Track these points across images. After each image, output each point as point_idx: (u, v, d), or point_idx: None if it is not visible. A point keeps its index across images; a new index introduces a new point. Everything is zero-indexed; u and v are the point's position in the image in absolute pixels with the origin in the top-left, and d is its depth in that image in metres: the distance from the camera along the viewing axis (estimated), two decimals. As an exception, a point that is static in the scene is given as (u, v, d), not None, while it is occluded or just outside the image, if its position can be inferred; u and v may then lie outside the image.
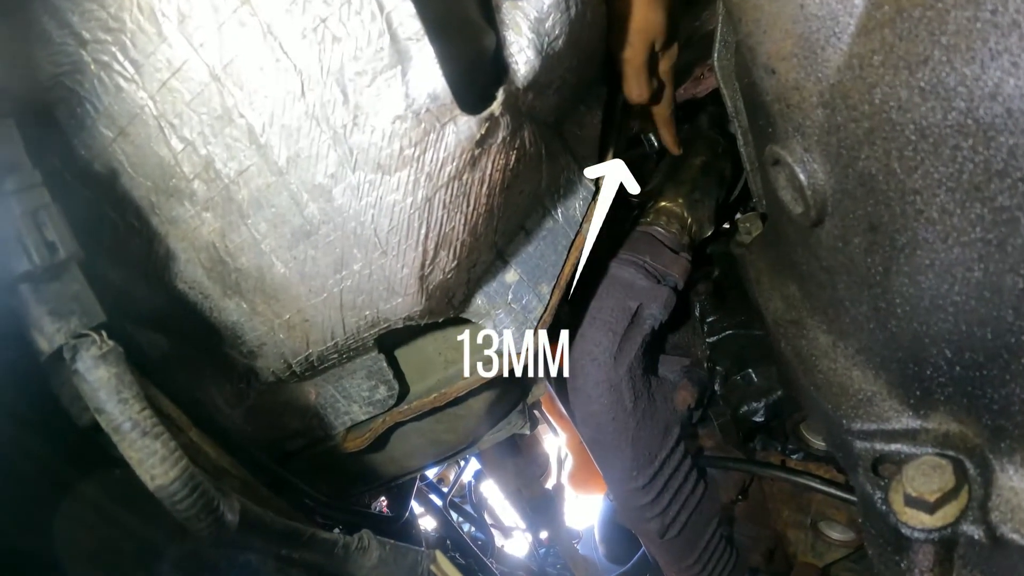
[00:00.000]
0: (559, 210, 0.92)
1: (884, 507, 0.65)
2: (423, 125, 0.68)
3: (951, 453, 0.64)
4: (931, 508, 0.61)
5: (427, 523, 1.86)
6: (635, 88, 0.95)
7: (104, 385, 0.59)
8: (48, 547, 0.70)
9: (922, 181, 0.55)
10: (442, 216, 0.74)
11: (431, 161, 0.70)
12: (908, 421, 0.68)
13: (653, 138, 1.26)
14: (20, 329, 0.60)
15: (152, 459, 0.59)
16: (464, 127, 0.69)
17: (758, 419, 1.00)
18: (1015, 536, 0.58)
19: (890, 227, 0.60)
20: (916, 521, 0.62)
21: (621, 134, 1.00)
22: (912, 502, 0.62)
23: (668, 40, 0.94)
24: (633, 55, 0.92)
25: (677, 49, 0.96)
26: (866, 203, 0.61)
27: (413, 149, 0.69)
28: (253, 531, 0.71)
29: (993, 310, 0.55)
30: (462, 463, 2.10)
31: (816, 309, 0.77)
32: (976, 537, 0.61)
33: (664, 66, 0.96)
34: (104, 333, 0.61)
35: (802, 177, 0.66)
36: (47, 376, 0.63)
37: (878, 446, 0.69)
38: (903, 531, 0.63)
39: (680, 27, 0.97)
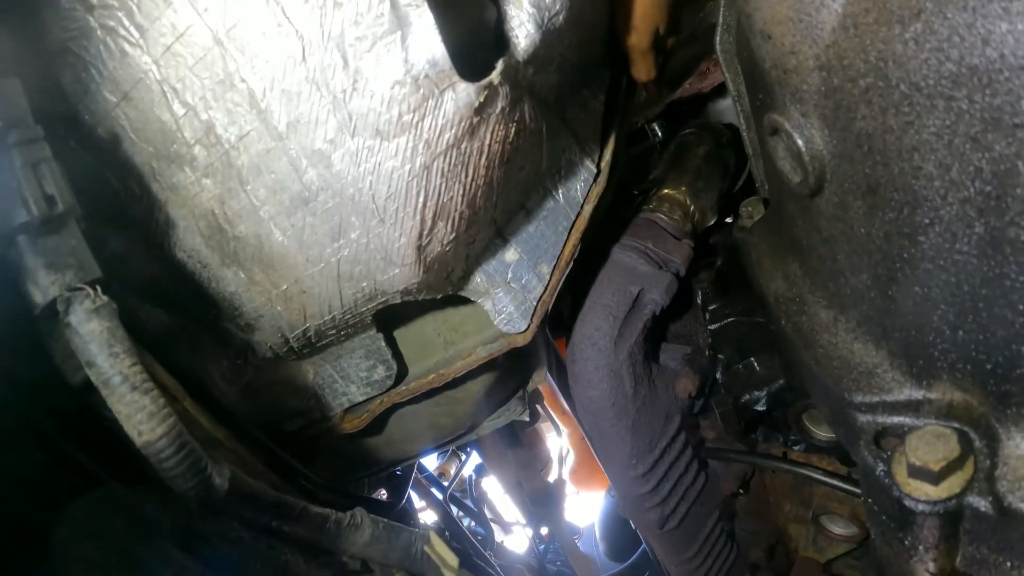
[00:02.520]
0: (560, 191, 0.92)
1: (887, 480, 0.63)
2: (422, 91, 0.68)
3: (955, 424, 0.62)
4: (935, 478, 0.60)
5: (427, 516, 1.83)
6: (643, 70, 0.97)
7: (96, 338, 0.59)
8: (40, 513, 0.69)
9: (919, 136, 0.54)
10: (440, 185, 0.74)
11: (429, 128, 0.70)
12: (911, 392, 0.66)
13: (658, 128, 1.27)
14: (16, 281, 0.61)
15: (140, 415, 0.59)
16: (463, 94, 0.69)
17: (760, 408, 0.99)
18: (1023, 506, 0.56)
19: (889, 188, 0.59)
20: (920, 492, 0.61)
21: (624, 118, 1.00)
22: (916, 472, 0.60)
23: (671, 26, 0.96)
24: (638, 40, 0.94)
25: (679, 29, 0.98)
26: (864, 165, 0.60)
27: (412, 115, 0.69)
28: (243, 501, 0.71)
29: (996, 267, 0.54)
30: (463, 456, 2.08)
31: (817, 284, 0.76)
32: (983, 509, 0.59)
33: (668, 46, 0.98)
34: (99, 288, 0.61)
35: (800, 143, 0.65)
36: (41, 331, 0.63)
37: (880, 419, 0.67)
38: (907, 503, 0.61)
39: (683, 13, 0.98)
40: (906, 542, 0.65)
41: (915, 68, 0.52)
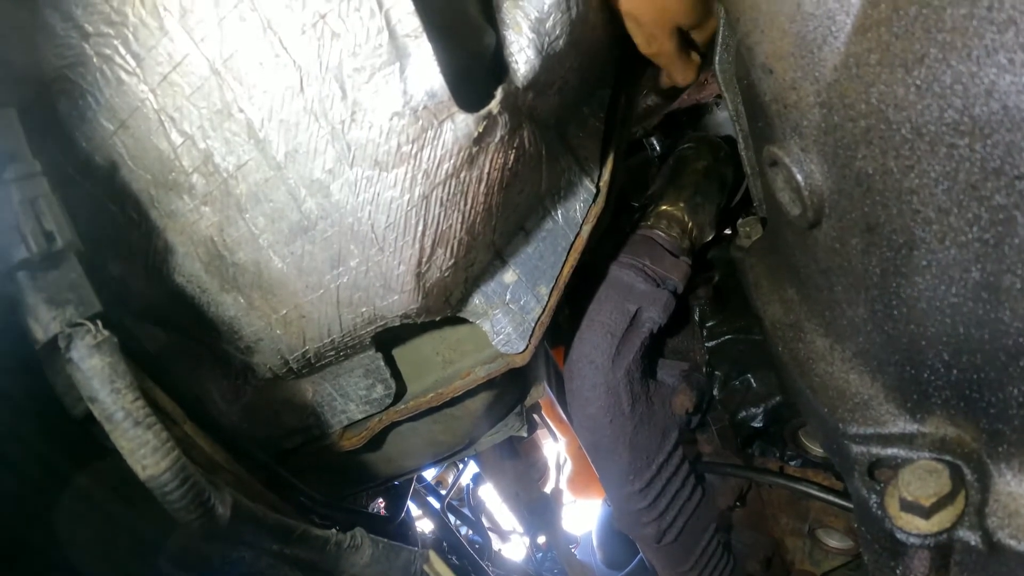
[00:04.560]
0: (559, 211, 0.92)
1: (879, 512, 0.64)
2: (421, 122, 0.68)
3: (948, 458, 0.63)
4: (927, 513, 0.60)
5: (424, 525, 1.85)
6: (680, 74, 0.91)
7: (97, 374, 0.59)
8: (44, 537, 0.70)
9: (919, 180, 0.55)
10: (439, 214, 0.74)
11: (428, 158, 0.70)
12: (905, 425, 0.67)
13: (656, 142, 1.26)
14: (17, 317, 0.61)
15: (143, 449, 0.59)
16: (462, 125, 0.69)
17: (756, 425, 0.99)
18: (1012, 542, 0.57)
19: (887, 227, 0.59)
20: (911, 526, 0.61)
21: (624, 137, 1.00)
22: (908, 507, 0.61)
23: (698, 19, 0.87)
24: (660, 47, 0.87)
25: (715, 22, 0.87)
26: (863, 203, 0.60)
27: (411, 146, 0.69)
28: (245, 525, 0.71)
29: (991, 311, 0.54)
30: (460, 466, 2.10)
31: (814, 312, 0.77)
32: (973, 543, 0.60)
33: (701, 38, 0.89)
34: (99, 322, 0.61)
35: (799, 178, 0.65)
36: (42, 365, 0.63)
37: (874, 450, 0.68)
38: (898, 536, 0.62)
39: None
40: (898, 571, 0.66)
41: (917, 113, 0.52)
